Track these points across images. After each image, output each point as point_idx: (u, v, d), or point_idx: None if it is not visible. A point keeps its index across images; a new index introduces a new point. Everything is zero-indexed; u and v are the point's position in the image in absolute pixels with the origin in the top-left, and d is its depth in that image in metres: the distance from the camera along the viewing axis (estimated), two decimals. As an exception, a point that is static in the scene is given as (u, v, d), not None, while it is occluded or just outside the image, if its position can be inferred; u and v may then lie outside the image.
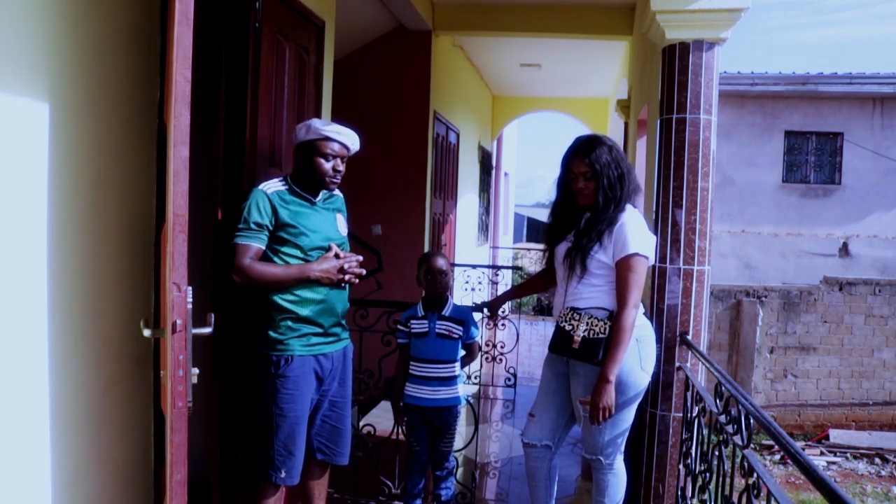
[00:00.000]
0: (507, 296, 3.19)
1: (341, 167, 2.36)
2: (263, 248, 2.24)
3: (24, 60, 1.67)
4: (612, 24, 5.10)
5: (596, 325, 2.38)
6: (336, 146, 2.33)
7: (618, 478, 2.55)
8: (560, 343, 2.45)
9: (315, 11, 3.01)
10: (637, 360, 2.44)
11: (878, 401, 8.85)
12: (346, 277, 2.33)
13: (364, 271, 2.36)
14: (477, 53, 6.90)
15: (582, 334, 2.38)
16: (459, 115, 6.74)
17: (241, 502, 2.55)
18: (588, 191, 2.45)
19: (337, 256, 2.33)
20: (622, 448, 2.55)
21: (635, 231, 2.38)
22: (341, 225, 2.47)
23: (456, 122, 6.51)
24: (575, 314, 2.43)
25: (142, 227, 2.15)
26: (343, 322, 2.46)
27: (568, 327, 2.43)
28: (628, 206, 2.44)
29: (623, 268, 2.37)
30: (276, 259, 2.27)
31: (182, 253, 1.64)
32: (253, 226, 2.21)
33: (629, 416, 2.50)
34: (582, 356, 2.39)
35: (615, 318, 2.36)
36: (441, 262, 2.77)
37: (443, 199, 6.10)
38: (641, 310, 2.49)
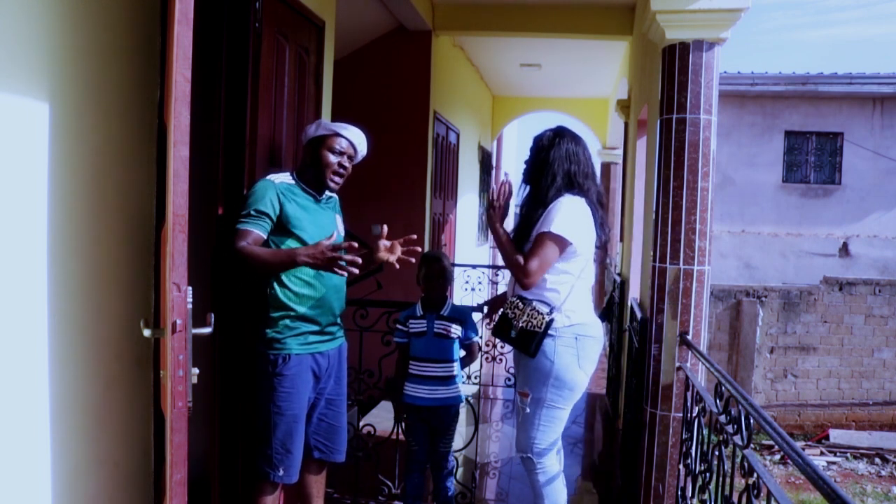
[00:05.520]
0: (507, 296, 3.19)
1: (347, 164, 2.38)
2: (264, 235, 2.23)
3: (24, 60, 1.67)
4: (612, 24, 5.10)
5: (535, 318, 2.39)
6: (344, 143, 2.36)
7: (548, 478, 2.50)
8: (500, 330, 2.49)
9: (315, 11, 3.01)
10: (574, 357, 2.42)
11: (878, 401, 8.85)
12: (341, 262, 2.13)
13: (360, 260, 2.23)
14: (477, 53, 6.90)
15: (520, 325, 2.41)
16: (459, 115, 6.74)
17: (240, 501, 2.55)
18: (526, 164, 2.59)
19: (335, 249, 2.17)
20: (554, 448, 2.51)
21: (562, 214, 2.38)
22: (339, 226, 2.50)
23: (456, 122, 6.51)
24: (520, 303, 2.45)
25: (142, 227, 2.15)
26: (339, 321, 2.47)
27: (511, 315, 2.45)
28: (568, 195, 2.45)
29: (533, 242, 2.42)
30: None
31: (182, 253, 1.64)
32: (253, 212, 2.22)
33: (563, 414, 2.48)
34: (517, 346, 2.43)
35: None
36: (441, 266, 2.77)
37: (443, 199, 6.10)
38: (591, 305, 2.52)
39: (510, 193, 2.54)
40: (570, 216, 2.39)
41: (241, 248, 2.19)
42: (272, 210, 2.24)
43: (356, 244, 2.28)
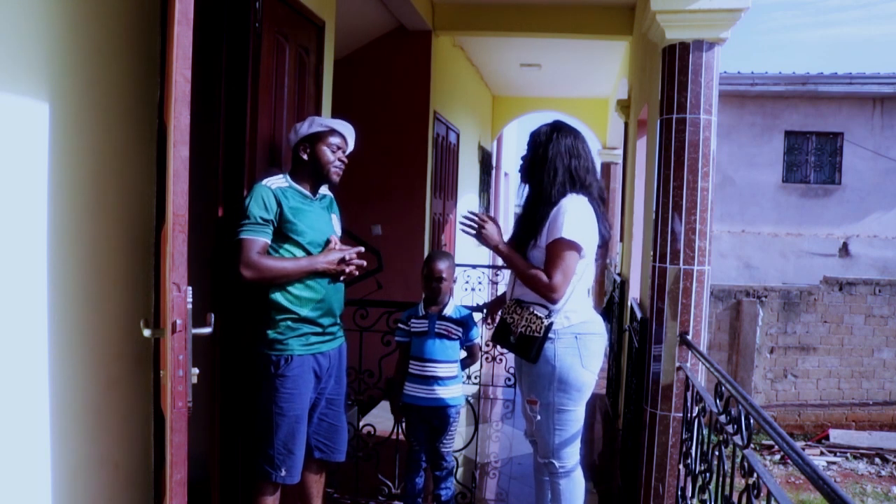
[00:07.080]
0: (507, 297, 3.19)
1: (344, 159, 2.44)
2: (269, 242, 2.25)
3: (24, 60, 1.67)
4: (612, 24, 5.10)
5: (533, 323, 2.34)
6: (338, 139, 2.42)
7: (573, 483, 2.47)
8: (500, 335, 2.45)
9: (315, 11, 3.01)
10: (577, 357, 2.38)
11: (878, 401, 8.85)
12: (348, 269, 2.35)
13: (364, 263, 2.39)
14: (477, 53, 6.90)
15: (519, 330, 2.37)
16: (459, 115, 6.73)
17: (240, 502, 2.55)
18: (524, 161, 2.51)
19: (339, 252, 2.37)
20: (577, 452, 2.48)
21: (571, 217, 2.31)
22: (336, 225, 2.50)
23: (456, 122, 6.50)
24: (518, 308, 2.41)
25: (142, 227, 2.15)
26: (339, 320, 2.47)
27: (509, 320, 2.41)
28: (572, 194, 2.39)
29: (549, 251, 2.33)
30: (276, 255, 2.28)
31: (182, 253, 1.64)
32: (259, 220, 2.22)
33: (578, 416, 2.44)
34: (518, 352, 2.39)
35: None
36: (442, 267, 2.75)
37: (443, 199, 6.10)
38: (590, 302, 2.48)
39: (485, 215, 2.46)
40: (577, 219, 2.33)
41: (258, 262, 2.20)
42: (273, 216, 2.25)
43: (363, 248, 2.39)
